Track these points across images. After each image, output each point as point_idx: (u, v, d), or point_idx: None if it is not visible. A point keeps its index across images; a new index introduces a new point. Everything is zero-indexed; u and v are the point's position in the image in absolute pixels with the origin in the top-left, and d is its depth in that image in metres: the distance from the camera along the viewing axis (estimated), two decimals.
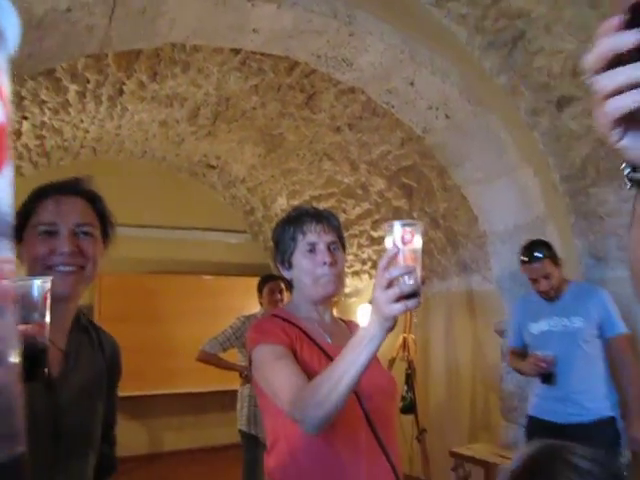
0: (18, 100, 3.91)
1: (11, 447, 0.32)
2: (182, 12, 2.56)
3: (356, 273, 5.48)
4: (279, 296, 3.68)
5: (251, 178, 5.92)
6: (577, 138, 3.20)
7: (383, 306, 1.04)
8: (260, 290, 3.76)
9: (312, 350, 1.43)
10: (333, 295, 1.52)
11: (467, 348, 4.18)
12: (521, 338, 2.98)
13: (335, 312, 5.24)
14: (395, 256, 1.04)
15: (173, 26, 2.63)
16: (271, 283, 3.72)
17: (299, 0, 2.64)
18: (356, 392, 1.31)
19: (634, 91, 0.49)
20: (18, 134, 4.55)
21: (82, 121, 4.70)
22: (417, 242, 1.05)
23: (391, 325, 1.09)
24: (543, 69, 3.09)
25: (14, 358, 0.33)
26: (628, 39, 0.48)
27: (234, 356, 3.79)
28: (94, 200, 1.27)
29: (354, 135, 4.29)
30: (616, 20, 0.49)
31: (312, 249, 1.48)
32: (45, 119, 4.43)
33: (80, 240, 1.20)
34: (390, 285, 1.03)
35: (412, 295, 1.02)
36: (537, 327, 2.88)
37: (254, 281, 3.91)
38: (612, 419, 2.72)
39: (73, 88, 3.93)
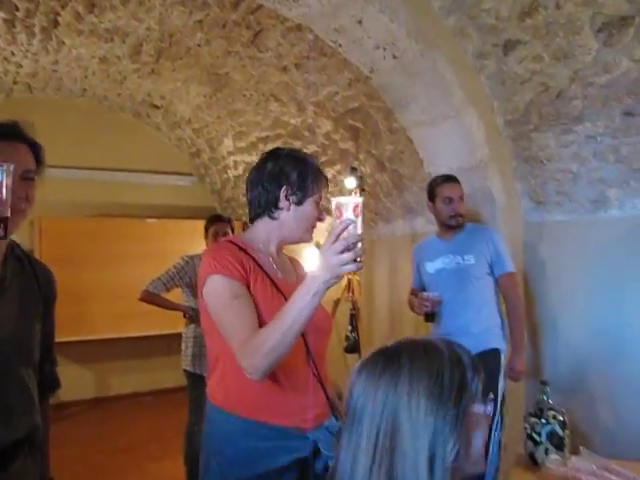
0: None
1: None
2: None
3: None
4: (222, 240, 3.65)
5: (197, 119, 5.76)
6: (522, 83, 3.22)
7: (336, 268, 1.24)
8: (207, 230, 3.72)
9: (265, 283, 1.54)
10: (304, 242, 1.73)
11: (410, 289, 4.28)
12: (420, 279, 3.14)
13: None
14: (348, 226, 1.23)
15: None
16: (217, 225, 3.67)
17: None
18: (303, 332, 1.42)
19: None
20: None
21: (13, 54, 4.44)
22: (361, 214, 1.27)
23: (336, 282, 1.29)
24: (491, 11, 3.07)
25: None
26: None
27: (178, 296, 3.77)
28: (35, 146, 1.39)
29: (301, 75, 4.20)
30: None
31: (318, 203, 1.69)
32: None
33: (25, 185, 1.32)
34: (344, 251, 1.22)
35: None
36: (433, 266, 3.00)
37: (200, 224, 3.85)
38: (496, 351, 2.89)
39: (0, 16, 3.69)
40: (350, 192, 4.10)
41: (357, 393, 0.86)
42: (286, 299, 1.38)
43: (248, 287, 1.49)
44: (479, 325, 2.91)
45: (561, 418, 1.99)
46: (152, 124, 6.29)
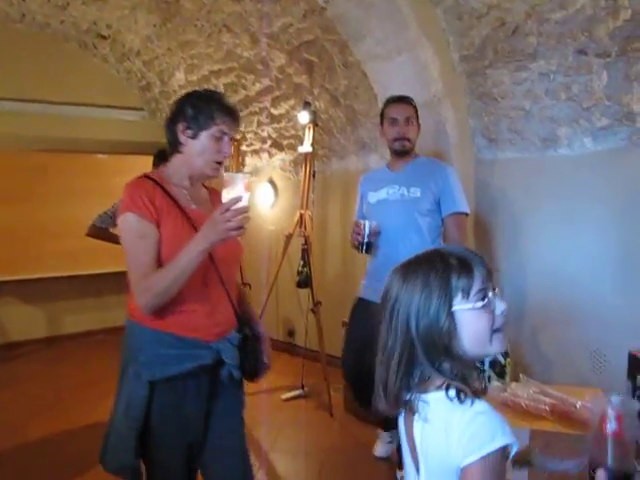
0: None
1: None
2: None
3: (255, 152, 5.39)
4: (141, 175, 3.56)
5: (146, 51, 5.52)
6: (478, 17, 3.17)
7: (222, 233, 1.54)
8: (155, 165, 3.62)
9: (177, 215, 1.69)
10: (211, 178, 1.85)
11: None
12: (363, 211, 2.87)
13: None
14: (238, 200, 1.52)
15: None
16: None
17: None
18: (212, 256, 1.69)
19: None
20: None
21: None
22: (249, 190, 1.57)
23: (222, 242, 1.58)
24: None
25: None
26: None
27: None
28: None
29: (254, 5, 4.04)
30: None
31: (221, 137, 1.75)
32: None
33: None
34: (231, 219, 1.51)
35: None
36: (375, 196, 2.76)
37: (151, 160, 3.74)
38: None
39: None
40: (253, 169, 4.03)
41: (391, 292, 1.10)
42: (196, 230, 1.62)
43: (159, 225, 1.65)
44: None
45: None
46: (99, 56, 6.00)
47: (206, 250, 1.57)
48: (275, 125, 5.00)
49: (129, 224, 1.64)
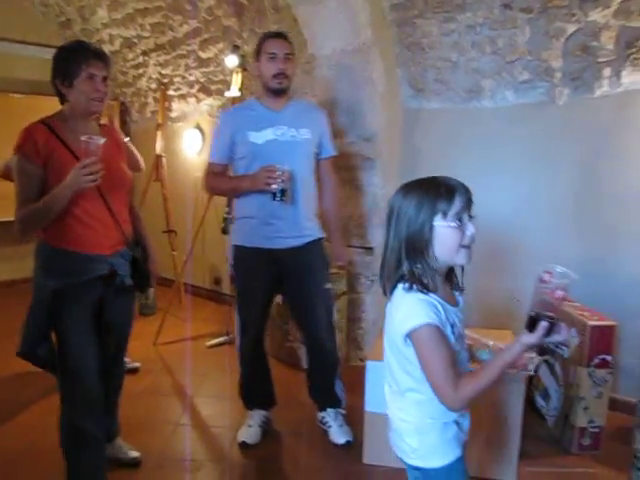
0: None
1: None
2: None
3: (183, 97, 5.22)
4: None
5: None
6: None
7: (81, 184, 1.93)
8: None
9: (66, 155, 2.04)
10: (98, 114, 2.21)
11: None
12: (229, 153, 2.61)
13: (160, 136, 5.01)
14: (93, 162, 1.92)
15: None
16: None
17: None
18: (99, 188, 2.07)
19: None
20: None
21: None
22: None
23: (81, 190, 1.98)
24: None
25: None
26: None
27: None
28: None
29: None
30: None
31: (92, 78, 2.05)
32: None
33: None
34: (88, 174, 1.92)
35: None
36: (260, 136, 2.53)
37: None
38: (321, 240, 2.70)
39: None
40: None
41: (395, 205, 1.36)
42: None
43: (45, 165, 2.02)
44: (312, 208, 2.67)
45: None
46: None
47: (69, 196, 1.97)
48: (203, 69, 4.85)
49: (17, 165, 2.03)
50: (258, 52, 2.60)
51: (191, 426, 2.95)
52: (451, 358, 1.26)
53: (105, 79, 2.10)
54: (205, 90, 4.98)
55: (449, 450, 1.37)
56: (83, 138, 1.91)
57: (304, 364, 3.12)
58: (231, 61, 3.85)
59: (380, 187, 3.48)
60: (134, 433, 2.74)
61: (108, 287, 2.19)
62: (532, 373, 2.93)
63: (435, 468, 1.36)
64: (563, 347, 2.72)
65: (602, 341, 2.57)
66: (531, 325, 1.21)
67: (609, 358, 2.57)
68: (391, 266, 1.36)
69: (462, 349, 1.39)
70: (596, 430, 2.63)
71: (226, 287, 4.93)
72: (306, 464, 2.59)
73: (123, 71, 5.72)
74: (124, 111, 6.06)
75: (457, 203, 1.30)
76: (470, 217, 1.33)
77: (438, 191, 1.31)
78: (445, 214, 1.29)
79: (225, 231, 3.67)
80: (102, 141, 1.94)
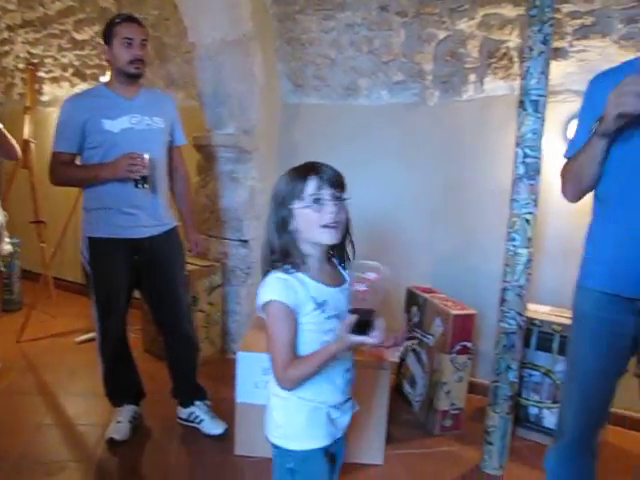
0: None
1: None
2: None
3: (55, 79, 4.93)
4: None
5: None
6: None
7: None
8: None
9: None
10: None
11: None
12: (79, 141, 2.47)
13: (29, 120, 4.68)
14: None
15: None
16: None
17: None
18: None
19: None
20: None
21: None
22: None
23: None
24: None
25: None
26: None
27: None
28: None
29: None
30: None
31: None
32: None
33: None
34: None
35: None
36: (115, 124, 2.44)
37: None
38: (176, 228, 2.69)
39: None
40: None
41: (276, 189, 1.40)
42: None
43: None
44: (167, 197, 2.65)
45: None
46: None
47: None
48: (78, 52, 4.60)
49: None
50: (110, 35, 2.46)
51: (55, 426, 2.79)
52: (290, 338, 1.33)
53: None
54: (79, 74, 4.73)
55: (313, 436, 1.39)
56: None
57: None
58: None
59: (257, 180, 3.49)
60: None
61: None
62: (397, 360, 3.08)
63: (292, 450, 1.39)
64: (428, 335, 2.88)
65: (463, 329, 2.75)
66: (358, 325, 1.24)
67: (469, 344, 2.76)
68: (267, 248, 1.40)
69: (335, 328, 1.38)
70: (457, 412, 2.82)
71: None
72: (177, 459, 2.55)
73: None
74: None
75: (310, 185, 1.34)
76: (338, 198, 1.36)
77: (297, 173, 1.37)
78: (301, 195, 1.34)
79: None
80: None
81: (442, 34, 2.97)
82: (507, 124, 2.71)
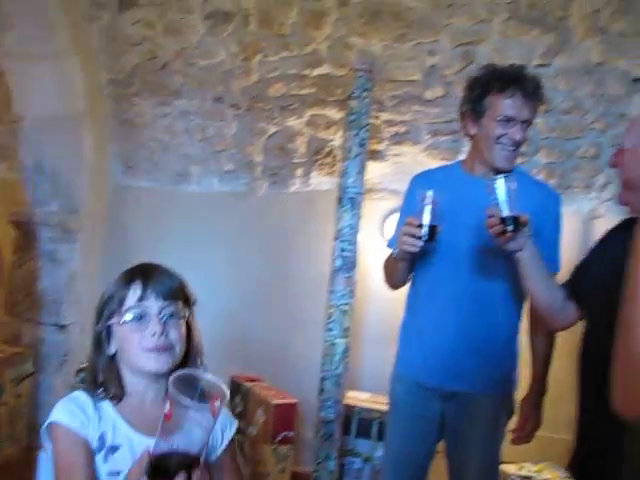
0: None
1: None
2: None
3: None
4: None
5: None
6: (132, 45, 3.21)
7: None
8: None
9: None
10: None
11: None
12: None
13: None
14: None
15: None
16: None
17: None
18: None
19: None
20: None
21: None
22: None
23: None
24: None
25: None
26: None
27: None
28: None
29: None
30: None
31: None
32: None
33: None
34: None
35: None
36: None
37: None
38: None
39: None
40: None
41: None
42: None
43: None
44: None
45: None
46: None
47: None
48: None
49: None
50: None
51: None
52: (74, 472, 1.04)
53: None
54: None
55: None
56: None
57: None
58: None
59: (81, 262, 3.30)
60: None
61: None
62: None
63: None
64: (251, 426, 2.83)
65: (285, 419, 2.73)
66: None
67: (291, 434, 2.74)
68: (89, 368, 1.16)
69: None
70: None
71: None
72: None
73: None
74: None
75: (131, 296, 1.09)
76: (170, 316, 1.11)
77: (124, 276, 1.14)
78: (120, 307, 1.10)
79: None
80: None
81: (272, 129, 3.12)
82: (329, 218, 2.86)
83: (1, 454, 2.57)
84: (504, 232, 1.42)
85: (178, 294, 1.14)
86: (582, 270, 1.58)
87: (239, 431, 2.96)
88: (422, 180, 1.85)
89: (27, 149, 3.26)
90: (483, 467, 1.80)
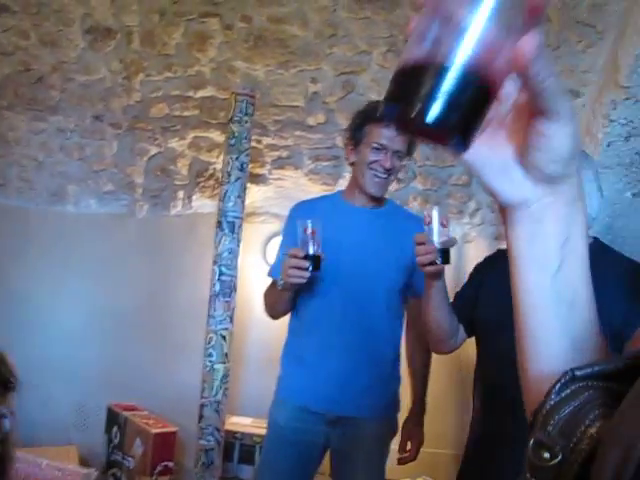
0: None
1: None
2: None
3: None
4: None
5: None
6: (3, 54, 3.04)
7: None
8: None
9: None
10: None
11: None
12: None
13: None
14: None
15: None
16: None
17: None
18: None
19: None
20: None
21: None
22: None
23: None
24: None
25: None
26: None
27: None
28: None
29: None
30: None
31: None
32: None
33: None
34: None
35: None
36: None
37: None
38: None
39: None
40: None
41: None
42: None
43: None
44: None
45: None
46: None
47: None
48: None
49: None
50: None
51: None
52: None
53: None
54: None
55: None
56: None
57: None
58: None
59: None
60: None
61: None
62: None
63: None
64: (129, 458, 2.72)
65: (164, 448, 2.65)
66: None
67: (171, 464, 2.66)
68: None
69: None
70: None
71: None
72: None
73: None
74: None
75: None
76: None
77: None
78: None
79: None
80: None
81: (154, 150, 3.05)
82: (210, 242, 2.82)
83: None
84: (433, 262, 1.45)
85: None
86: (463, 298, 1.66)
87: (116, 464, 2.85)
88: (302, 210, 1.89)
89: None
90: None
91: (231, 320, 2.42)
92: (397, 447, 1.99)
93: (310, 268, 1.59)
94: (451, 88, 0.37)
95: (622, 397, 0.36)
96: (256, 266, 2.87)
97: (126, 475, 2.75)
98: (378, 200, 1.87)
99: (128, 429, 2.77)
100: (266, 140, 2.89)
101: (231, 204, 2.44)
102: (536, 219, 0.46)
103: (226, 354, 2.41)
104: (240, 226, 2.45)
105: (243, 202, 2.46)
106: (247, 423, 2.89)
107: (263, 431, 2.75)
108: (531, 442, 0.40)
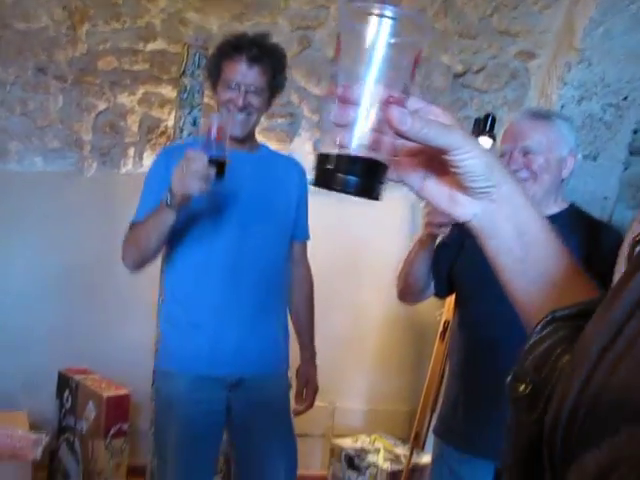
0: None
1: None
2: None
3: None
4: None
5: None
6: None
7: None
8: None
9: None
10: None
11: None
12: None
13: None
14: None
15: None
16: None
17: None
18: None
19: None
20: None
21: None
22: None
23: None
24: None
25: None
26: None
27: None
28: None
29: None
30: None
31: None
32: None
33: None
34: None
35: None
36: None
37: None
38: None
39: None
40: None
41: None
42: None
43: None
44: None
45: None
46: None
47: None
48: None
49: None
50: None
51: None
52: None
53: None
54: None
55: None
56: None
57: None
58: None
59: None
60: None
61: None
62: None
63: None
64: (82, 422, 2.67)
65: (118, 411, 2.62)
66: None
67: (125, 427, 2.63)
68: None
69: None
70: None
71: None
72: None
73: None
74: None
75: None
76: None
77: None
78: None
79: None
80: None
81: (102, 105, 2.92)
82: None
83: None
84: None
85: None
86: (442, 256, 1.65)
87: (68, 428, 2.80)
88: (172, 153, 1.75)
89: None
90: (286, 444, 1.84)
91: None
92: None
93: (213, 175, 1.47)
94: (355, 167, 0.52)
95: None
96: None
97: (79, 439, 2.71)
98: (248, 142, 1.80)
99: (80, 393, 2.71)
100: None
101: None
102: (490, 223, 0.56)
103: None
104: None
105: None
106: None
107: None
108: (509, 376, 0.46)
